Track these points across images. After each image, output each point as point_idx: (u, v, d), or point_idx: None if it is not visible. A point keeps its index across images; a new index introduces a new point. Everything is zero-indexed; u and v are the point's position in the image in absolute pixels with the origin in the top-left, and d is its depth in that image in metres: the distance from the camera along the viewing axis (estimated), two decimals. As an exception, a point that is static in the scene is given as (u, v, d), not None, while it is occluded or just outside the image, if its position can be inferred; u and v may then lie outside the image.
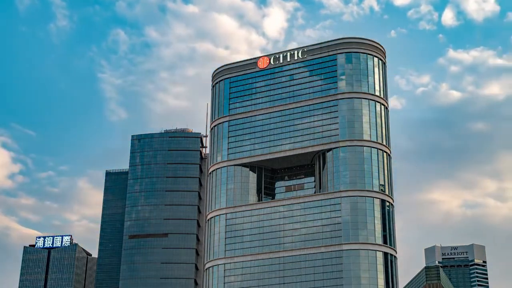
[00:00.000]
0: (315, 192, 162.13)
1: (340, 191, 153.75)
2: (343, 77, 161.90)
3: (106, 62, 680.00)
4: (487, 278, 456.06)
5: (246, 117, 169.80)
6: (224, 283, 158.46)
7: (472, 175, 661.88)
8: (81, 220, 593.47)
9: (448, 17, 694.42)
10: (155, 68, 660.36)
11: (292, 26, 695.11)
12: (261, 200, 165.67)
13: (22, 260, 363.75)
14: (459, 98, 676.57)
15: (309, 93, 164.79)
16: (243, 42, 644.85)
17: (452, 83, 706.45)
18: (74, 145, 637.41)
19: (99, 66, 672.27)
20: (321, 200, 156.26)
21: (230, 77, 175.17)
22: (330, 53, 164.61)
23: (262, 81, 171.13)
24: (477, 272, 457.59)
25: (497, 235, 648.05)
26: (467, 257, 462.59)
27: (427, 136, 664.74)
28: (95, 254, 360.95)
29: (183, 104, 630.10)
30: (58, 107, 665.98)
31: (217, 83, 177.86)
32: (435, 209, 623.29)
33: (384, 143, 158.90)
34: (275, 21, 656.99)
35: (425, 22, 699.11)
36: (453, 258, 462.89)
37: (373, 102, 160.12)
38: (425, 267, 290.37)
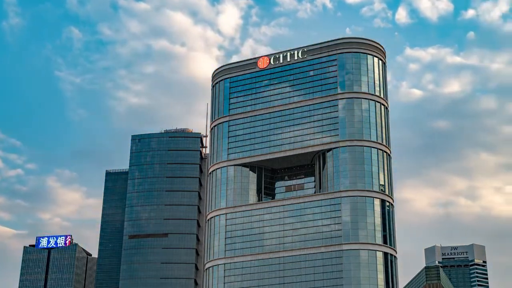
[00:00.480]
0: (315, 192, 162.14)
1: (340, 191, 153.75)
2: (343, 77, 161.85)
3: (62, 60, 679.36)
4: (487, 278, 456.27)
5: (246, 117, 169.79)
6: (224, 283, 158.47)
7: (440, 174, 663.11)
8: (53, 219, 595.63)
9: (402, 15, 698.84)
10: (112, 66, 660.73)
11: (247, 24, 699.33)
12: (261, 200, 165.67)
13: (22, 260, 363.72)
14: (421, 97, 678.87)
15: (309, 93, 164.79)
16: (199, 39, 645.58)
17: (412, 82, 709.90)
18: (39, 144, 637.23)
19: (55, 64, 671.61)
20: (321, 200, 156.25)
21: (230, 77, 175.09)
22: (330, 53, 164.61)
23: (262, 81, 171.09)
24: (477, 272, 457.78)
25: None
26: (467, 257, 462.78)
27: (392, 135, 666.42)
28: (95, 254, 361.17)
29: (144, 102, 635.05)
30: (18, 106, 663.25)
31: (217, 83, 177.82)
32: (407, 208, 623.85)
33: (384, 143, 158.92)
34: (230, 18, 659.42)
35: (380, 20, 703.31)
36: (453, 258, 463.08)
37: (373, 102, 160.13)
38: (425, 267, 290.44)
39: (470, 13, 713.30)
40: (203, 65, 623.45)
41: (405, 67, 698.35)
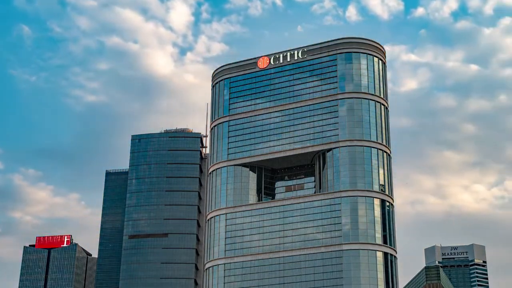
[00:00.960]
0: (315, 192, 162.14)
1: (340, 191, 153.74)
2: (343, 77, 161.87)
3: (15, 58, 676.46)
4: (487, 278, 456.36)
5: (246, 117, 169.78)
6: (224, 283, 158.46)
7: (407, 172, 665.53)
8: (24, 217, 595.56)
9: (352, 13, 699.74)
10: (66, 64, 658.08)
11: (198, 20, 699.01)
12: (261, 200, 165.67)
13: (22, 260, 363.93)
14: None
15: (309, 93, 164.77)
16: (152, 36, 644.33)
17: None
18: (1, 143, 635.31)
19: (8, 62, 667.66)
20: (321, 200, 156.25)
21: (230, 77, 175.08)
22: (330, 53, 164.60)
23: (262, 81, 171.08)
24: (477, 272, 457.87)
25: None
26: (467, 257, 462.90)
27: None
28: (95, 254, 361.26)
29: (102, 99, 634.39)
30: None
31: (217, 83, 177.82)
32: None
33: (384, 143, 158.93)
34: (180, 15, 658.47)
35: (331, 18, 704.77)
36: (453, 258, 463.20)
37: (373, 102, 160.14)
38: (425, 267, 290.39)
39: (420, 11, 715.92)
40: (159, 62, 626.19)
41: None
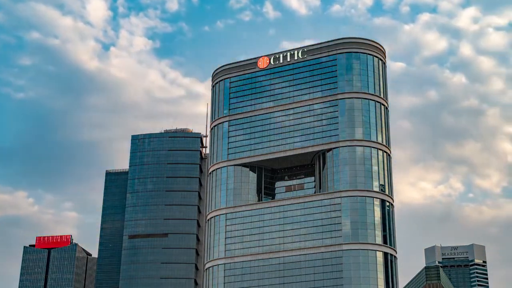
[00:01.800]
0: (315, 192, 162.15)
1: (340, 191, 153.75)
2: (343, 77, 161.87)
3: None
4: (487, 278, 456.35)
5: (246, 117, 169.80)
6: (224, 283, 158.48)
7: None
8: None
9: (269, 8, 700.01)
10: None
11: (116, 15, 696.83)
12: (261, 200, 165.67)
13: (22, 260, 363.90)
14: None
15: (309, 93, 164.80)
16: (71, 31, 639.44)
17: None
18: None
19: None
20: (321, 200, 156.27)
21: (230, 77, 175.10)
22: (330, 53, 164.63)
23: (262, 81, 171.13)
24: (477, 272, 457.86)
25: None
26: (467, 257, 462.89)
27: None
28: (95, 254, 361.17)
29: (30, 94, 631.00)
30: None
31: (217, 83, 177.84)
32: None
33: (384, 143, 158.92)
34: (98, 10, 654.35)
35: (250, 13, 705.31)
36: (453, 258, 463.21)
37: (373, 102, 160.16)
38: (425, 267, 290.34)
39: (337, 7, 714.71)
40: (83, 58, 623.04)
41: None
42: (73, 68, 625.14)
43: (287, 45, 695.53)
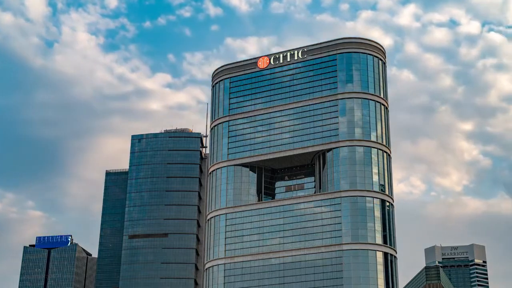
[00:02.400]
0: (315, 192, 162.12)
1: (340, 191, 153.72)
2: (343, 77, 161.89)
3: None
4: (487, 278, 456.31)
5: (246, 117, 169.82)
6: (224, 283, 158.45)
7: None
8: None
9: (209, 5, 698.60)
10: None
11: (56, 11, 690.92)
12: (261, 200, 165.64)
13: (22, 260, 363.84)
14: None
15: (309, 93, 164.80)
16: (14, 28, 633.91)
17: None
18: None
19: None
20: (321, 200, 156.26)
21: (230, 77, 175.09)
22: (330, 53, 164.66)
23: (262, 81, 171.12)
24: (477, 272, 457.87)
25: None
26: (467, 257, 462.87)
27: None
28: (95, 254, 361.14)
29: None
30: None
31: (217, 83, 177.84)
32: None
33: (384, 143, 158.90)
34: (36, 6, 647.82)
35: (191, 8, 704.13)
36: (453, 258, 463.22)
37: (373, 102, 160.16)
38: (425, 267, 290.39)
39: (276, 4, 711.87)
40: (28, 54, 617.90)
41: (237, 59, 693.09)
42: (18, 65, 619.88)
43: (230, 41, 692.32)
